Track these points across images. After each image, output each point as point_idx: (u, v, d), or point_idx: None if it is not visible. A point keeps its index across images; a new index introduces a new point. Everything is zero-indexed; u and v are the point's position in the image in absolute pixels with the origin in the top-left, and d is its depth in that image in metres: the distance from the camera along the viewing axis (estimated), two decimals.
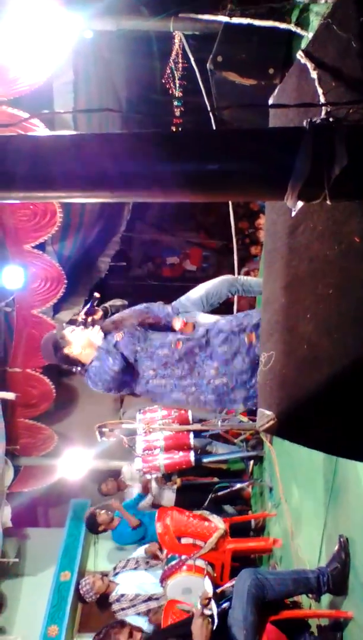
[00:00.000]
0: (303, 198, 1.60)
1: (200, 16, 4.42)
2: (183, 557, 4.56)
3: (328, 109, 1.64)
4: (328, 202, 1.56)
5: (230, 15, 3.99)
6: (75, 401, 8.02)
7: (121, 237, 8.75)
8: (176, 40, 6.48)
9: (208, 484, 5.70)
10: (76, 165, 1.61)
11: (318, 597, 3.18)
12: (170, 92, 8.37)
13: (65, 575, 6.78)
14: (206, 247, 11.31)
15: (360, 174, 1.48)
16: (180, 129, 7.78)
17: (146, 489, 6.20)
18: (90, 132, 6.07)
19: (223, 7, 4.10)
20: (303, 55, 1.91)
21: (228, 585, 3.69)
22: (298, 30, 3.81)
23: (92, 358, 3.32)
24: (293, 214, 1.94)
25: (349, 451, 2.00)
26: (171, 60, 7.60)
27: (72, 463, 6.35)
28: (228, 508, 5.96)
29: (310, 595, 3.23)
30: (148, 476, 5.75)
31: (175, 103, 8.56)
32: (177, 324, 3.43)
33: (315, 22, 3.70)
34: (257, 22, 3.88)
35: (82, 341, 3.36)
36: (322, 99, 1.74)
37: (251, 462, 5.91)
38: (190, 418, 5.37)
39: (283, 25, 3.84)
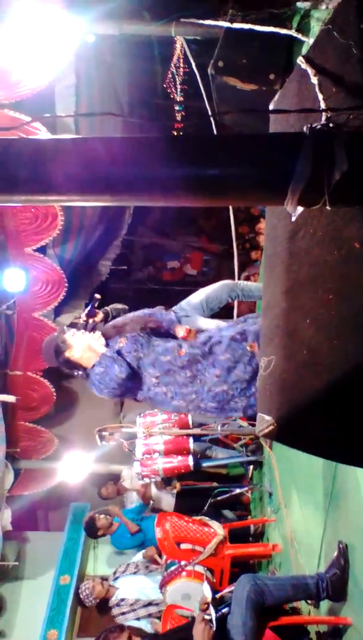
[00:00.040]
0: (303, 203, 1.60)
1: (202, 21, 4.43)
2: (183, 562, 4.56)
3: (329, 115, 1.64)
4: (328, 207, 1.56)
5: (231, 21, 4.00)
6: (75, 404, 8.02)
7: (122, 241, 8.76)
8: (178, 45, 6.51)
9: (208, 489, 5.69)
10: (77, 169, 1.62)
11: (317, 603, 3.16)
12: (171, 96, 8.39)
13: (64, 579, 6.75)
14: (207, 251, 11.31)
15: (360, 179, 1.48)
16: (181, 134, 7.80)
17: (145, 499, 6.17)
18: (91, 135, 6.08)
19: (224, 12, 4.11)
20: (303, 61, 1.91)
21: (227, 590, 3.69)
22: (299, 36, 3.82)
23: (94, 362, 3.32)
24: (293, 219, 1.94)
25: (349, 457, 1.99)
26: (172, 65, 7.62)
27: (72, 466, 6.34)
28: (228, 513, 5.94)
29: (309, 602, 3.21)
30: (147, 480, 5.74)
31: (176, 107, 8.58)
32: (180, 331, 3.43)
33: (315, 28, 3.71)
34: (258, 28, 3.89)
35: (83, 345, 3.36)
36: (323, 105, 1.74)
37: (251, 467, 5.90)
38: (190, 422, 5.36)
39: (284, 31, 3.85)
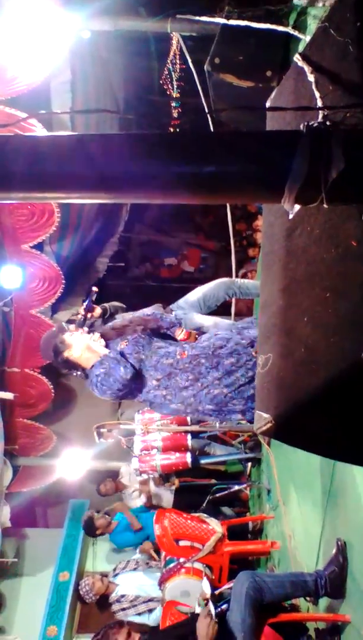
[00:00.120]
0: (300, 201, 1.59)
1: (198, 18, 4.41)
2: (181, 559, 4.56)
3: (326, 113, 1.64)
4: (325, 205, 1.56)
5: (228, 17, 3.98)
6: (73, 401, 8.02)
7: (119, 238, 8.76)
8: (174, 42, 6.47)
9: (206, 486, 5.70)
10: (73, 166, 1.61)
11: (316, 601, 3.17)
12: (168, 93, 8.36)
13: (64, 575, 6.77)
14: (204, 248, 11.31)
15: (357, 177, 1.48)
16: (178, 130, 7.78)
17: (150, 501, 6.15)
18: (87, 132, 6.08)
19: (220, 9, 4.09)
20: (300, 58, 1.90)
21: (226, 587, 3.70)
22: (296, 33, 3.80)
23: (93, 363, 3.29)
24: (291, 216, 1.94)
25: (346, 455, 1.99)
26: (168, 61, 7.58)
27: (70, 463, 6.35)
28: (226, 510, 5.96)
29: (307, 599, 3.22)
30: (145, 476, 5.75)
31: (173, 104, 8.55)
32: (180, 334, 3.41)
33: (312, 25, 3.69)
34: (255, 25, 3.87)
35: (82, 345, 3.33)
36: (319, 103, 1.74)
37: (249, 464, 5.91)
38: (188, 419, 5.36)
39: (280, 28, 3.83)
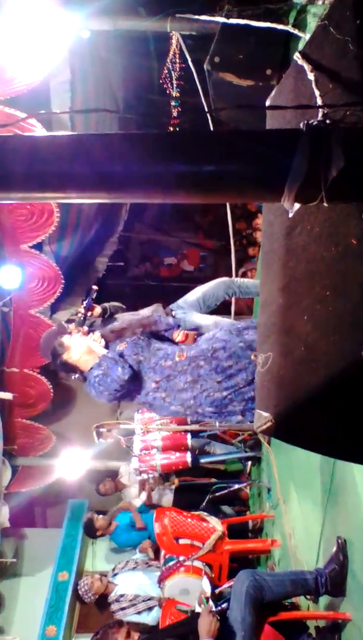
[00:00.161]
0: (299, 200, 1.59)
1: (197, 17, 4.41)
2: (181, 558, 4.56)
3: (325, 111, 1.64)
4: (325, 204, 1.56)
5: (227, 16, 3.98)
6: (73, 401, 8.02)
7: (118, 237, 8.75)
8: (174, 41, 6.46)
9: (206, 485, 5.69)
10: (73, 166, 1.61)
11: (316, 599, 3.18)
12: (167, 92, 8.36)
13: (63, 575, 6.77)
14: (203, 247, 11.31)
15: (357, 176, 1.48)
16: (177, 130, 7.77)
17: (150, 499, 6.15)
18: (87, 132, 6.08)
19: (220, 7, 4.09)
20: (300, 56, 1.90)
21: (226, 586, 3.70)
22: (296, 32, 3.81)
23: (92, 365, 3.28)
24: (290, 215, 1.94)
25: (346, 453, 1.99)
26: (168, 61, 7.58)
27: (69, 463, 6.35)
28: (226, 509, 5.96)
29: (308, 597, 3.23)
30: (145, 475, 5.75)
31: (172, 103, 8.54)
32: (178, 336, 3.40)
33: (312, 23, 3.70)
34: (254, 23, 3.87)
35: (82, 347, 3.32)
36: (319, 101, 1.74)
37: (249, 462, 5.91)
38: (188, 419, 5.36)
39: (280, 27, 3.83)
